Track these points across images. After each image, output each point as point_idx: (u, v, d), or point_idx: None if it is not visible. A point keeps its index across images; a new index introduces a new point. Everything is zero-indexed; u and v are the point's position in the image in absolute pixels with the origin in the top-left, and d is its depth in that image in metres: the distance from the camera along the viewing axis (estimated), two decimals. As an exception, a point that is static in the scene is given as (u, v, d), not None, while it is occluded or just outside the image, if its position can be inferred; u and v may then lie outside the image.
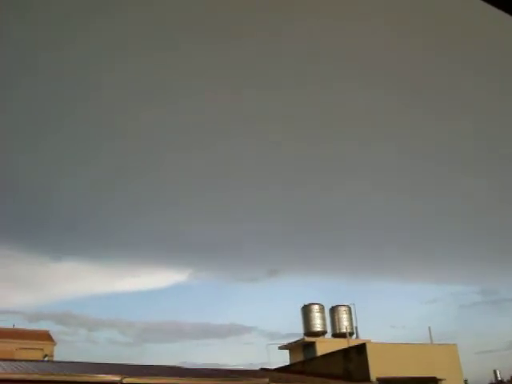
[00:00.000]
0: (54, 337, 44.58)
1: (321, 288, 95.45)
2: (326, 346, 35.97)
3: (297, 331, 41.90)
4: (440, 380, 27.70)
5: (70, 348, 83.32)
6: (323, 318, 41.39)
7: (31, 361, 26.21)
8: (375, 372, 25.90)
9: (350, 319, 41.18)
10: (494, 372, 64.47)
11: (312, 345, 38.60)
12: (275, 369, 33.65)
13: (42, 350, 39.48)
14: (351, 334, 39.03)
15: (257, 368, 33.80)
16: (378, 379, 25.46)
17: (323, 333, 40.91)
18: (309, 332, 40.60)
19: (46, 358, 35.69)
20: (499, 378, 63.66)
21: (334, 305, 42.18)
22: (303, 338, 39.80)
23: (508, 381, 61.55)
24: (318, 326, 40.83)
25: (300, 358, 38.15)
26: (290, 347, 40.75)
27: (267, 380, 22.16)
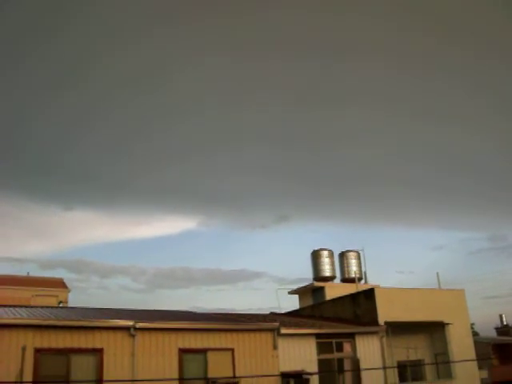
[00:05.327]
0: (67, 284, 45.44)
1: (330, 233, 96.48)
2: (334, 290, 36.46)
3: (306, 276, 42.51)
4: (447, 324, 28.14)
5: (84, 295, 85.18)
6: (332, 264, 41.78)
7: (46, 307, 26.79)
8: (383, 316, 26.28)
9: (359, 264, 41.59)
10: (500, 317, 65.34)
11: (321, 289, 39.11)
12: (285, 313, 34.22)
13: (56, 296, 40.30)
14: (360, 278, 39.52)
15: (267, 312, 34.40)
16: (386, 323, 25.88)
17: (332, 278, 41.39)
18: (318, 277, 41.09)
19: (61, 305, 36.48)
20: (505, 323, 64.52)
21: (343, 250, 42.57)
22: (312, 283, 40.30)
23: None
24: (327, 271, 41.26)
25: (309, 302, 38.73)
26: (300, 292, 41.32)
27: (277, 324, 22.57)
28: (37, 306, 27.15)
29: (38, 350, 17.07)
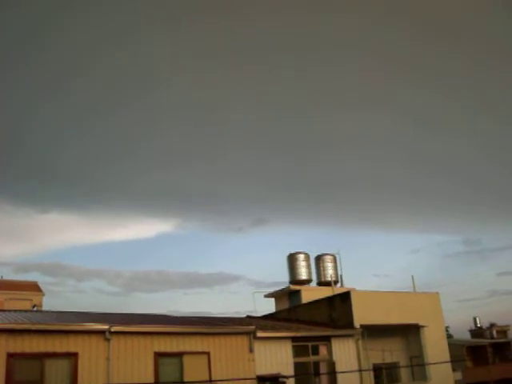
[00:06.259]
0: (42, 287, 44.91)
1: (306, 237, 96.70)
2: (311, 293, 36.52)
3: (282, 280, 42.47)
4: (422, 327, 28.38)
5: (59, 298, 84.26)
6: (308, 267, 41.84)
7: (20, 311, 26.47)
8: (359, 319, 26.43)
9: (335, 268, 41.69)
10: (474, 319, 66.22)
11: (297, 293, 39.16)
12: (261, 316, 34.23)
13: (30, 300, 39.75)
14: (336, 282, 39.66)
15: (243, 316, 34.38)
16: (362, 326, 26.01)
17: (308, 281, 41.45)
18: (294, 280, 41.10)
19: (35, 309, 36.05)
20: (479, 325, 65.35)
21: (319, 254, 42.64)
22: (289, 286, 40.32)
23: (487, 328, 63.19)
24: (303, 274, 41.29)
25: (285, 305, 38.76)
26: (276, 295, 41.33)
27: (253, 327, 22.57)
28: (10, 310, 26.83)
29: (10, 355, 16.82)
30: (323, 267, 41.82)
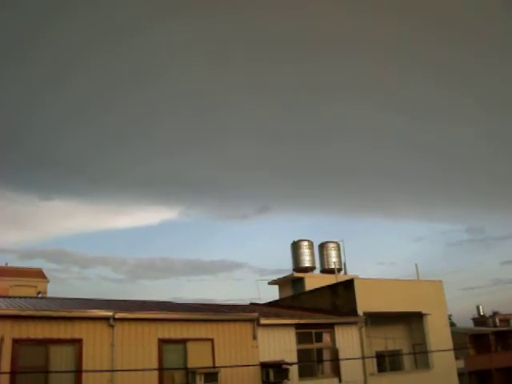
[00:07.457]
0: (46, 274, 45.08)
1: (310, 225, 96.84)
2: (314, 281, 36.57)
3: (286, 267, 42.70)
4: (425, 315, 28.41)
5: (63, 285, 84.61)
6: (312, 254, 41.90)
7: (25, 297, 26.58)
8: (362, 307, 26.45)
9: (339, 255, 41.76)
10: (477, 308, 66.25)
11: (301, 280, 39.24)
12: (265, 303, 34.30)
13: (35, 287, 39.95)
14: (339, 269, 39.69)
15: (247, 303, 34.46)
16: (365, 314, 26.05)
17: (312, 268, 41.52)
18: (298, 268, 41.19)
19: (40, 295, 36.21)
20: (482, 313, 65.38)
21: (323, 241, 42.67)
22: (292, 274, 40.40)
23: (490, 316, 63.25)
24: (306, 261, 41.37)
25: (289, 293, 38.85)
26: (280, 282, 41.42)
27: (257, 314, 22.62)
28: (15, 297, 26.94)
29: (16, 341, 16.93)
30: (327, 255, 41.91)
